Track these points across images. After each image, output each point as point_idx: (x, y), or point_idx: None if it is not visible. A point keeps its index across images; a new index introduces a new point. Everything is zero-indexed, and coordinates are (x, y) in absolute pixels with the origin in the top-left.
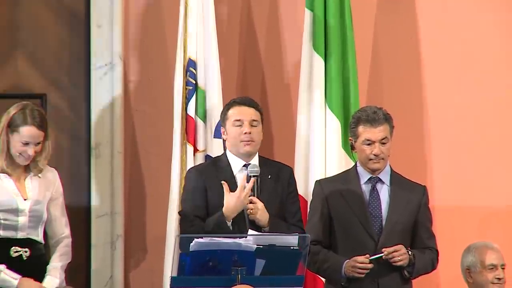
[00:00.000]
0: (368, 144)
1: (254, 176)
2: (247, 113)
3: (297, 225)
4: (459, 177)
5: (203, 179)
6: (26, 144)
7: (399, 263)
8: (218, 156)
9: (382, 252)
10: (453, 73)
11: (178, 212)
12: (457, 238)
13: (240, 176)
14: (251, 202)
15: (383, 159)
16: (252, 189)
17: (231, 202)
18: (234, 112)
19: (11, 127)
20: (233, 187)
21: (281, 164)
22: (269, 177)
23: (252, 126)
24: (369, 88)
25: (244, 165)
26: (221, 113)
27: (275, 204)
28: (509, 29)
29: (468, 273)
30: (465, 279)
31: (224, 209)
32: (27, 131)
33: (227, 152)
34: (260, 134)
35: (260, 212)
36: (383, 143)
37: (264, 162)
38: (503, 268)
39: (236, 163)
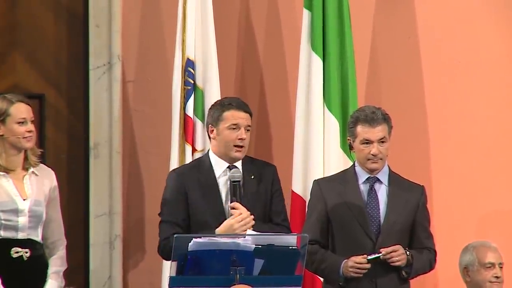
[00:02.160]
0: (367, 144)
1: (235, 182)
2: (244, 118)
3: (282, 225)
4: (458, 177)
5: (183, 183)
6: (23, 122)
7: (397, 264)
8: (200, 157)
9: (380, 252)
10: (452, 73)
11: (158, 214)
12: (455, 238)
13: (223, 179)
14: (233, 208)
15: (381, 159)
16: (235, 194)
17: (226, 227)
18: (233, 116)
19: (0, 118)
20: (212, 190)
21: (264, 163)
22: (252, 177)
23: (246, 131)
24: (367, 88)
25: (228, 167)
26: (213, 112)
27: (259, 205)
28: (509, 29)
29: (466, 272)
30: (463, 278)
31: (218, 230)
32: (18, 108)
33: (210, 152)
34: (249, 140)
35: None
36: (382, 143)
37: (247, 162)
38: (501, 267)
39: (219, 165)
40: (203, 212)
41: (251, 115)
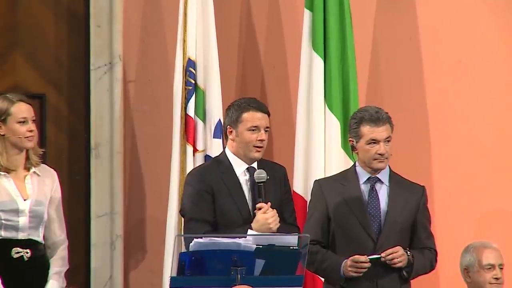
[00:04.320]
0: (373, 144)
1: (261, 182)
2: (263, 119)
3: (294, 224)
4: (459, 177)
5: (208, 182)
6: (24, 122)
7: (397, 265)
8: (217, 157)
9: (381, 255)
10: (453, 73)
11: (182, 214)
12: (456, 237)
13: (243, 179)
14: (260, 209)
15: (387, 158)
16: (260, 195)
17: (260, 220)
18: (252, 118)
19: (0, 118)
20: (237, 190)
21: (274, 164)
22: (267, 178)
23: (265, 132)
24: (368, 88)
25: (247, 168)
26: (231, 113)
27: (275, 205)
28: (509, 29)
29: (467, 273)
30: (464, 279)
31: (253, 225)
32: (18, 108)
33: (228, 152)
34: (267, 140)
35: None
36: (387, 142)
37: (261, 163)
38: (501, 268)
39: (238, 165)
40: (231, 211)
41: (269, 115)
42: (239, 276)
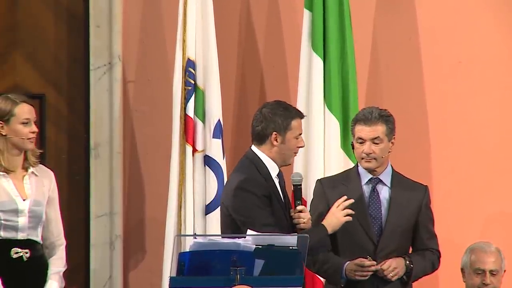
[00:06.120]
0: (360, 143)
1: (298, 185)
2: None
3: None
4: (459, 178)
5: (265, 188)
6: (27, 123)
7: (393, 278)
8: (252, 160)
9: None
10: (453, 74)
11: (243, 221)
12: (456, 239)
13: (276, 183)
14: (300, 211)
15: (375, 159)
16: (298, 198)
17: (333, 219)
18: (299, 125)
19: (3, 118)
20: (278, 194)
21: None
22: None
23: None
24: (368, 89)
25: (278, 174)
26: (278, 118)
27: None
28: (509, 29)
29: (463, 274)
30: (462, 278)
31: (326, 223)
32: (22, 109)
33: (263, 156)
34: None
35: (309, 221)
36: (375, 143)
37: None
38: (494, 274)
39: (272, 169)
40: (281, 216)
41: None
42: (238, 276)
